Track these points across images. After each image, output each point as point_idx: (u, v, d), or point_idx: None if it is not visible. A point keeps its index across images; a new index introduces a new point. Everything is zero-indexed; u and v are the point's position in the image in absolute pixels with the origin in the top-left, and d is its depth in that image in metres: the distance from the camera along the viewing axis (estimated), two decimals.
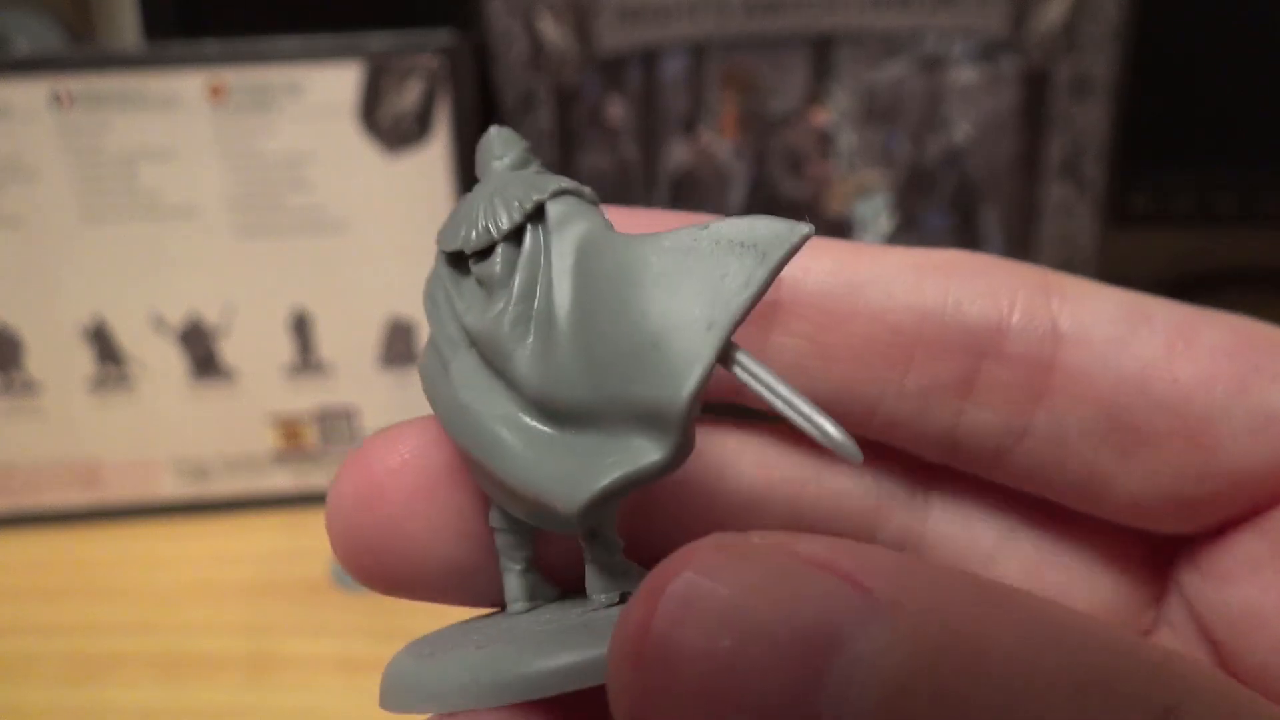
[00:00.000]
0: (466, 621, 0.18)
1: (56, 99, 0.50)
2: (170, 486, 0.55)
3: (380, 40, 0.51)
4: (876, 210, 0.57)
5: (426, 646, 0.16)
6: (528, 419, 0.15)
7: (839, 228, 0.57)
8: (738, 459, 0.18)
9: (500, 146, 0.17)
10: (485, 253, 0.16)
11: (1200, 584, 0.18)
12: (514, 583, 0.17)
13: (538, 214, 0.16)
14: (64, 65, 0.50)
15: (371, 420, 0.55)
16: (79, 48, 0.67)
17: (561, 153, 0.54)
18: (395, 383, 0.55)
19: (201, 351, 0.54)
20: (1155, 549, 0.19)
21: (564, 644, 0.15)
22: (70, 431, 0.54)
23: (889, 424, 0.18)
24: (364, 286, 0.53)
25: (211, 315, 0.53)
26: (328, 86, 0.51)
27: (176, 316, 0.53)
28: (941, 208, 0.57)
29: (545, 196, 0.16)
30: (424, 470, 0.17)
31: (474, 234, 0.16)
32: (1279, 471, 0.16)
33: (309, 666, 0.45)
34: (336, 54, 0.51)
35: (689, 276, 0.14)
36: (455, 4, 0.53)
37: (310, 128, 0.51)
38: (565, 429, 0.15)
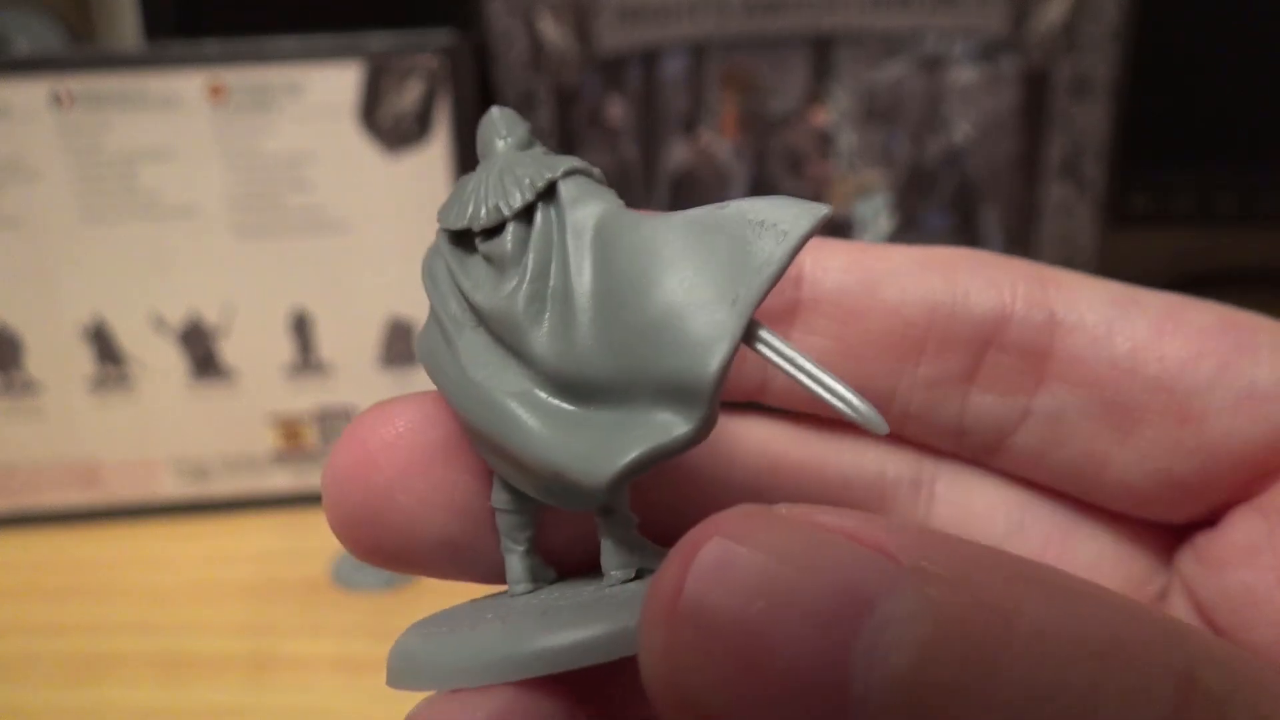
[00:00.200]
0: (472, 602, 0.18)
1: (56, 99, 0.50)
2: (170, 486, 0.55)
3: (380, 40, 0.51)
4: (876, 210, 0.57)
5: (435, 625, 0.16)
6: (544, 395, 0.15)
7: (839, 228, 0.57)
8: (745, 442, 0.19)
9: (504, 126, 0.17)
10: (493, 231, 0.16)
11: (1200, 571, 0.18)
12: (517, 564, 0.17)
13: (548, 193, 0.16)
14: (64, 65, 0.50)
15: None
16: (79, 48, 0.67)
17: (561, 152, 0.54)
18: (395, 383, 0.55)
19: (201, 351, 0.54)
20: (1156, 539, 0.19)
21: (584, 618, 0.15)
22: (70, 431, 0.54)
23: (902, 414, 0.19)
24: (364, 286, 0.53)
25: (211, 315, 0.53)
26: (328, 86, 0.51)
27: (176, 316, 0.53)
28: (941, 208, 0.57)
29: (557, 175, 0.16)
30: (419, 444, 0.17)
31: (483, 211, 0.16)
32: (1266, 447, 0.17)
33: (309, 666, 0.45)
34: (336, 54, 0.51)
35: (711, 253, 0.15)
36: (455, 4, 0.53)
37: (310, 128, 0.51)
38: (584, 405, 0.15)
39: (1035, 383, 0.18)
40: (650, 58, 0.53)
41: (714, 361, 0.14)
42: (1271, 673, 0.12)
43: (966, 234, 0.57)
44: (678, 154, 0.55)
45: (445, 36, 0.51)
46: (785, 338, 0.17)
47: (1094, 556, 0.19)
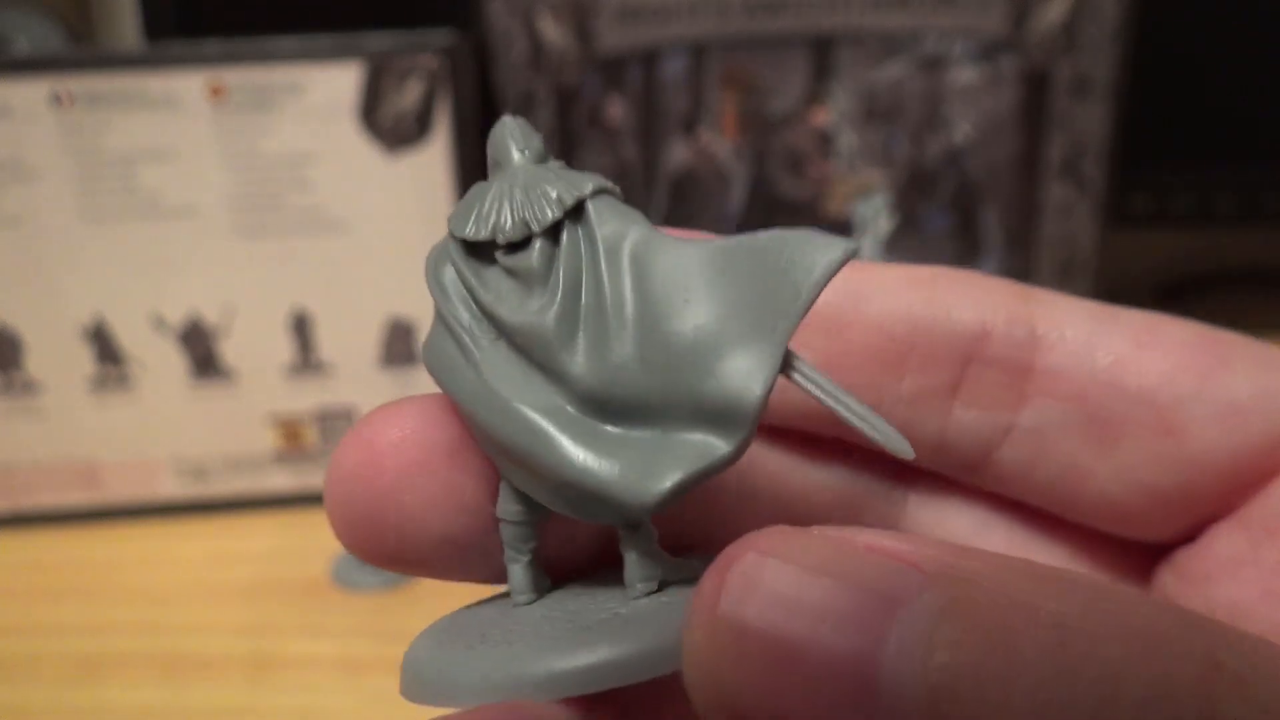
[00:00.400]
0: (478, 606, 0.18)
1: (56, 99, 0.50)
2: (170, 486, 0.55)
3: (380, 40, 0.51)
4: (876, 210, 0.57)
5: (450, 635, 0.16)
6: (577, 413, 0.16)
7: (839, 228, 0.57)
8: None
9: (521, 137, 0.17)
10: (516, 245, 0.16)
11: (1182, 588, 0.18)
12: (521, 574, 0.17)
13: (574, 211, 0.16)
14: (64, 65, 0.50)
15: None
16: (79, 48, 0.67)
17: (562, 153, 0.54)
18: (395, 382, 0.55)
19: (201, 351, 0.54)
20: (1135, 559, 0.19)
21: (622, 636, 0.15)
22: (70, 431, 0.54)
23: None
24: (364, 286, 0.53)
25: (211, 315, 0.53)
26: (328, 86, 0.51)
27: (176, 316, 0.53)
28: (941, 208, 0.57)
29: (586, 195, 0.16)
30: (425, 445, 0.17)
31: (508, 225, 0.16)
32: (1245, 459, 0.17)
33: (309, 666, 0.45)
34: (336, 54, 0.51)
35: (749, 282, 0.15)
36: (455, 4, 0.53)
37: (310, 128, 0.51)
38: (617, 423, 0.16)
39: (1017, 398, 0.18)
40: (650, 58, 0.53)
41: (758, 387, 0.15)
42: None
43: (966, 234, 0.57)
44: (678, 154, 0.55)
45: (445, 36, 0.51)
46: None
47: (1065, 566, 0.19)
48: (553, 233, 0.16)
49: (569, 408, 0.16)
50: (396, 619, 0.46)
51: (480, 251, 0.16)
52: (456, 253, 0.17)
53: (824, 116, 0.55)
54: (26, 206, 0.51)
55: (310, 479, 0.56)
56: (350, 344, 0.54)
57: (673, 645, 0.14)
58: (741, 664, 0.11)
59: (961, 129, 0.55)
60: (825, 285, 0.15)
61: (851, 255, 0.15)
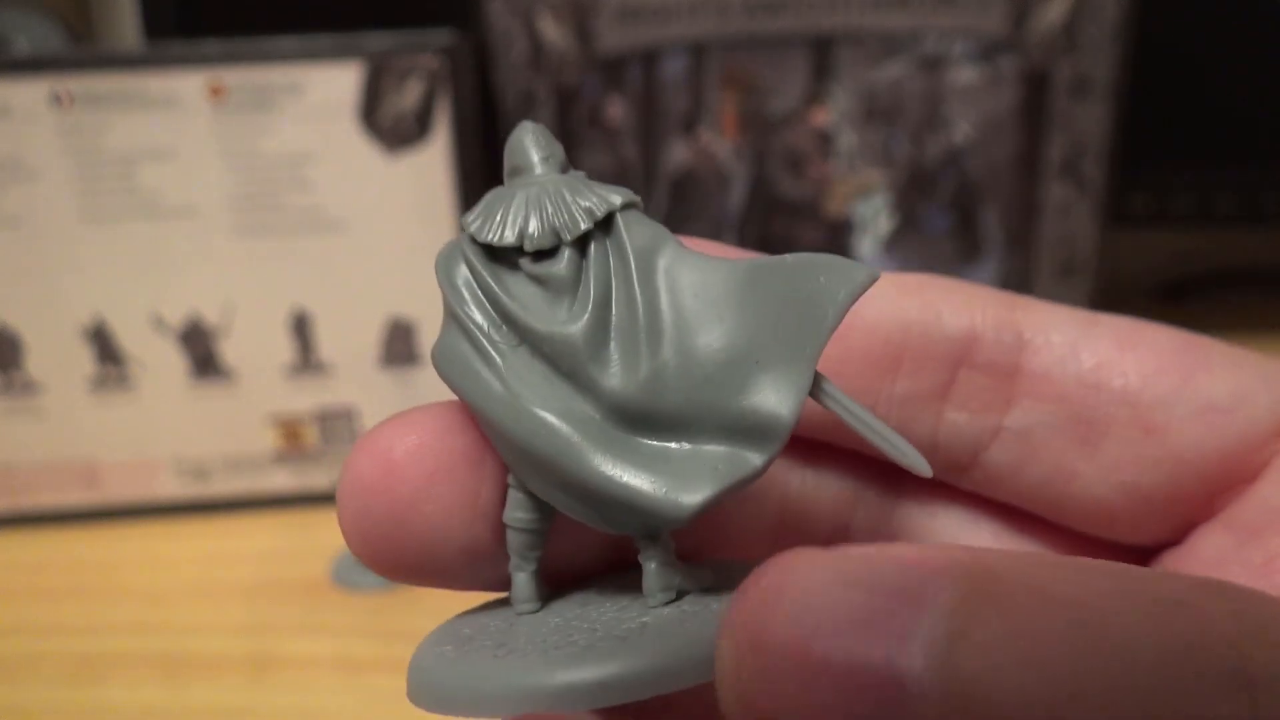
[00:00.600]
0: (481, 615, 0.18)
1: (56, 99, 0.50)
2: (170, 486, 0.55)
3: (380, 40, 0.51)
4: (876, 210, 0.57)
5: (467, 644, 0.16)
6: (606, 423, 0.16)
7: (839, 228, 0.57)
8: None
9: (544, 145, 0.17)
10: (542, 253, 0.16)
11: None
12: (525, 583, 0.17)
13: (603, 222, 0.16)
14: (64, 65, 0.50)
15: (372, 420, 0.55)
16: (79, 48, 0.67)
17: None
18: (395, 383, 0.55)
19: (201, 351, 0.54)
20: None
21: (654, 647, 0.15)
22: (70, 431, 0.54)
23: None
24: (364, 286, 0.53)
25: (211, 315, 0.53)
26: (328, 86, 0.51)
27: (176, 316, 0.53)
28: (941, 208, 0.57)
29: (616, 207, 0.16)
30: (441, 453, 0.17)
31: (537, 232, 0.16)
32: (1227, 459, 0.18)
33: (309, 666, 0.45)
34: (336, 54, 0.51)
35: (781, 303, 0.16)
36: (455, 4, 0.53)
37: (310, 128, 0.51)
38: (647, 435, 0.16)
39: (1005, 401, 0.19)
40: (650, 58, 0.53)
41: (791, 405, 0.15)
42: None
43: (966, 234, 0.57)
44: (678, 154, 0.55)
45: (445, 36, 0.51)
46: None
47: None
48: (579, 243, 0.16)
49: (599, 418, 0.16)
50: (396, 619, 0.46)
51: (500, 256, 0.16)
52: (475, 255, 0.17)
53: (824, 116, 0.55)
54: (26, 206, 0.51)
55: (310, 479, 0.56)
56: (350, 344, 0.54)
57: (704, 656, 0.14)
58: (774, 681, 0.11)
59: (961, 129, 0.55)
60: (850, 308, 0.15)
61: (874, 280, 0.16)
